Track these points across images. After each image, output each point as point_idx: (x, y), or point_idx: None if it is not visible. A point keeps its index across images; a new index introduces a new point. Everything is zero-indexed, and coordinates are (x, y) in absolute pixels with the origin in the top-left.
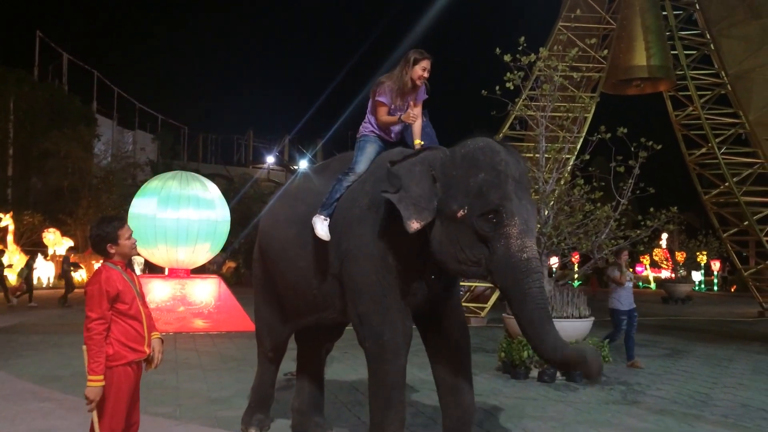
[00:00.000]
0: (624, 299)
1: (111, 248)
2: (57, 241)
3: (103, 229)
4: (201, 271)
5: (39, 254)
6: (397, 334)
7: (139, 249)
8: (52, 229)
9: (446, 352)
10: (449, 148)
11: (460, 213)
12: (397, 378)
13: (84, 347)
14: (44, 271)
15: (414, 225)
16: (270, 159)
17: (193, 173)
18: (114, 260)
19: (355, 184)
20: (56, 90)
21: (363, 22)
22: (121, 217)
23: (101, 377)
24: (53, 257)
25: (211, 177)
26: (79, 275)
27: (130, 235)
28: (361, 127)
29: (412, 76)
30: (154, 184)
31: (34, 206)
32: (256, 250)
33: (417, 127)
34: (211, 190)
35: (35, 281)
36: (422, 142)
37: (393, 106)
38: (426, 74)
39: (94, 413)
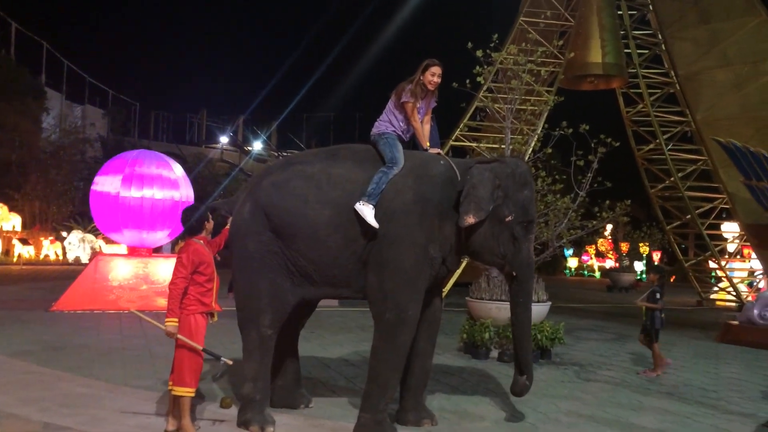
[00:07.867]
0: None
1: (207, 225)
2: (4, 217)
3: (201, 214)
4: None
5: None
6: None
7: (101, 228)
8: None
9: (424, 323)
10: (506, 163)
11: (509, 218)
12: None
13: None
14: None
15: (469, 219)
16: (224, 139)
17: (157, 152)
18: (200, 236)
19: (396, 177)
20: (4, 60)
21: (321, 3)
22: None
23: (175, 319)
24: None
25: None
26: (27, 251)
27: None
28: (378, 125)
29: (424, 81)
30: (118, 162)
31: None
32: (251, 225)
33: (426, 131)
34: (176, 170)
35: None
36: (429, 144)
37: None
38: (436, 79)
39: (181, 350)
